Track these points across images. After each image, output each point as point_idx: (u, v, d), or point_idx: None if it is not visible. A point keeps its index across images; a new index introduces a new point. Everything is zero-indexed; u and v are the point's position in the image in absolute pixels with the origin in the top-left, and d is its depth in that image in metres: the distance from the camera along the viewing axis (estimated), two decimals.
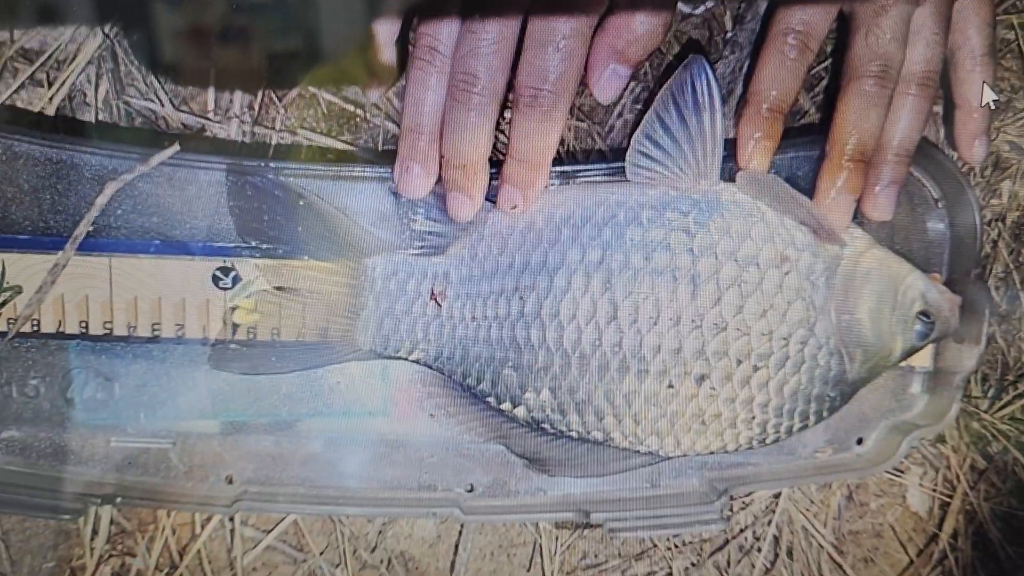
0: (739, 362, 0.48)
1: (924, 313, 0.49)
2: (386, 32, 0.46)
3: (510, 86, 0.45)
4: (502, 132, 0.47)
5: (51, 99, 0.47)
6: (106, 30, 0.46)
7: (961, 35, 0.48)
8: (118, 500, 0.52)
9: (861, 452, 0.54)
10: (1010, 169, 0.51)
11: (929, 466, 0.54)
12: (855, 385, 0.50)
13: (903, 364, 0.52)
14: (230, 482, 0.53)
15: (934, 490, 0.55)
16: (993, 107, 0.48)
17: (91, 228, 0.47)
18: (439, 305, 0.48)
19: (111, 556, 0.54)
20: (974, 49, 0.48)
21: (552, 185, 0.48)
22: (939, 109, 0.49)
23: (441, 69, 0.45)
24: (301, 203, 0.48)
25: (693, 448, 0.50)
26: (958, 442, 0.53)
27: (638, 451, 0.51)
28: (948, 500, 0.55)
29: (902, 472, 0.54)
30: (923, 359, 0.53)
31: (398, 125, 0.47)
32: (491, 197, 0.47)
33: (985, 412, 0.53)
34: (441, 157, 0.46)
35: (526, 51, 0.45)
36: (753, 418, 0.49)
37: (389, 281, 0.49)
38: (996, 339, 0.52)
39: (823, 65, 0.48)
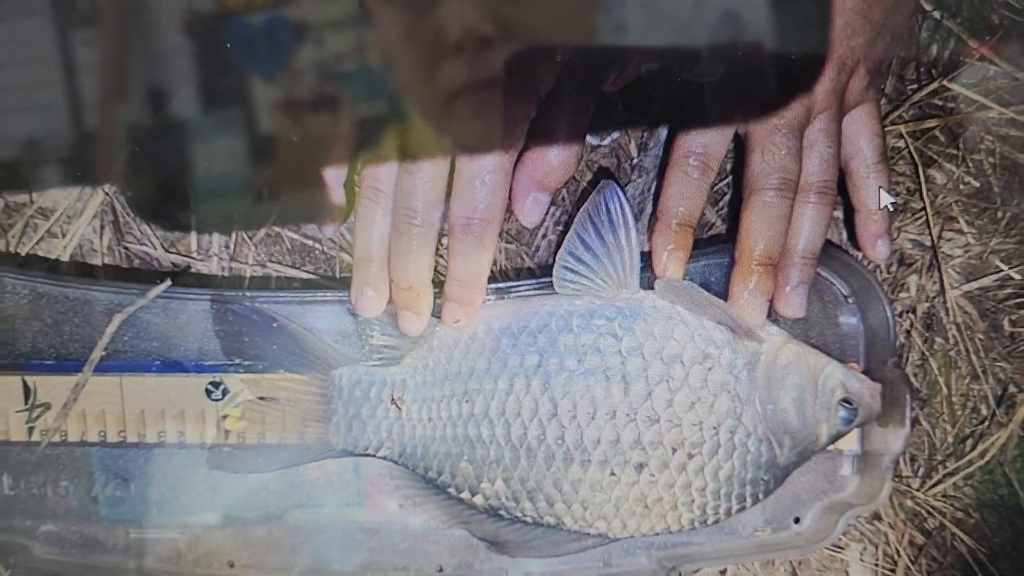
0: (674, 450, 0.51)
1: (846, 400, 0.51)
2: (335, 177, 0.52)
3: (446, 216, 0.50)
4: (441, 256, 0.52)
5: (65, 248, 0.55)
6: (106, 189, 0.54)
7: (853, 146, 0.51)
8: None
9: (799, 531, 0.56)
10: (915, 264, 0.53)
11: (868, 542, 0.55)
12: (787, 469, 0.53)
13: (832, 448, 0.54)
14: (231, 567, 0.58)
15: (875, 565, 0.56)
16: (892, 209, 0.51)
17: (103, 353, 0.54)
18: (399, 409, 0.53)
19: None
20: (867, 158, 0.51)
21: (489, 300, 0.52)
22: (839, 214, 0.52)
23: (384, 206, 0.50)
24: (275, 325, 0.53)
25: (639, 530, 0.53)
26: (895, 519, 0.54)
27: (588, 533, 0.54)
28: (890, 574, 0.56)
29: (842, 548, 0.55)
30: (851, 443, 0.55)
31: (351, 255, 0.52)
32: (436, 313, 0.52)
33: (917, 491, 0.54)
34: (390, 281, 0.51)
35: (457, 186, 0.50)
36: (692, 501, 0.52)
37: (354, 389, 0.54)
38: (920, 422, 0.54)
39: (725, 181, 0.52)
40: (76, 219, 0.54)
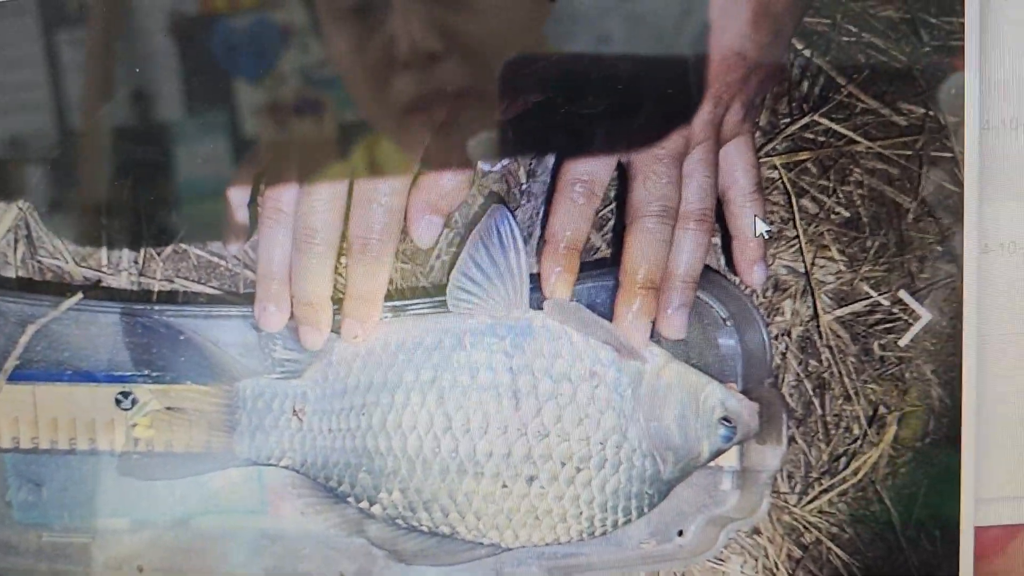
0: (563, 464, 0.53)
1: (726, 418, 0.54)
2: (238, 196, 0.54)
3: (344, 235, 0.52)
4: (340, 275, 0.54)
5: None
6: (20, 205, 0.56)
7: (730, 176, 0.53)
8: None
9: (682, 543, 0.58)
10: (789, 289, 0.55)
11: (748, 555, 0.57)
12: (670, 483, 0.55)
13: (712, 464, 0.56)
14: (140, 571, 0.60)
15: None
16: (767, 237, 0.53)
17: (17, 363, 0.56)
18: (300, 420, 0.55)
19: None
20: (743, 188, 0.53)
21: (386, 318, 0.54)
22: (717, 240, 0.54)
23: (286, 225, 0.52)
24: (182, 338, 0.55)
25: (530, 540, 0.55)
26: (773, 533, 0.57)
27: (482, 543, 0.56)
28: None
29: (723, 561, 0.57)
30: (731, 459, 0.57)
31: (254, 272, 0.54)
32: (336, 329, 0.54)
33: (794, 506, 0.56)
34: (292, 297, 0.53)
35: (355, 207, 0.52)
36: (581, 513, 0.54)
37: (258, 401, 0.55)
38: (796, 440, 0.56)
39: (608, 208, 0.54)
40: None
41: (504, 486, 0.54)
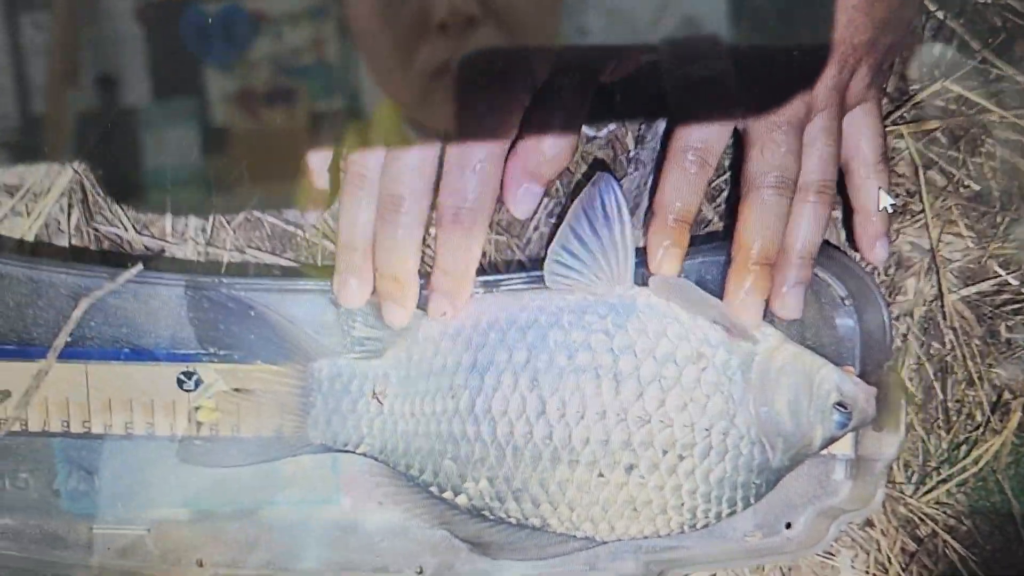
0: (665, 452, 0.50)
1: (840, 404, 0.50)
2: (318, 160, 0.50)
3: (434, 204, 0.49)
4: (428, 247, 0.51)
5: (30, 227, 0.52)
6: (75, 166, 0.51)
7: (854, 146, 0.50)
8: None
9: (790, 536, 0.55)
10: (913, 267, 0.52)
11: (860, 549, 0.55)
12: (779, 472, 0.52)
13: (825, 452, 0.53)
14: (200, 565, 0.56)
15: (867, 572, 0.55)
16: (891, 211, 0.50)
17: (69, 339, 0.51)
18: (380, 403, 0.52)
19: None
20: (867, 158, 0.50)
21: (477, 293, 0.50)
22: (838, 214, 0.51)
23: (370, 192, 0.49)
24: (252, 314, 0.51)
25: (627, 533, 0.52)
26: (887, 525, 0.54)
27: (575, 536, 0.52)
28: None
29: (833, 555, 0.55)
30: (844, 447, 0.54)
31: (334, 243, 0.51)
32: (422, 305, 0.50)
33: (911, 497, 0.54)
34: (375, 270, 0.50)
35: (446, 174, 0.48)
36: (682, 504, 0.51)
37: (334, 382, 0.52)
38: (915, 427, 0.53)
39: (723, 178, 0.51)
40: (43, 197, 0.51)
41: (600, 475, 0.50)
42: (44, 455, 0.55)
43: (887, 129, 0.50)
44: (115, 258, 0.53)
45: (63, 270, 0.52)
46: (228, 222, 0.52)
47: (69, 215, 0.52)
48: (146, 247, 0.52)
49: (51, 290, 0.52)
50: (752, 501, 0.52)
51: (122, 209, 0.52)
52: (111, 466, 0.55)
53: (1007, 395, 0.53)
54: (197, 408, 0.53)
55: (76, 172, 0.51)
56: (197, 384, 0.53)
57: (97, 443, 0.54)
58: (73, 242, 0.53)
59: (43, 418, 0.54)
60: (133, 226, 0.52)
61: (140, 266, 0.51)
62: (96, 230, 0.52)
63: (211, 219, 0.52)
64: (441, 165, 0.48)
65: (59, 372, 0.53)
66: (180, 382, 0.53)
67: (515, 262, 0.53)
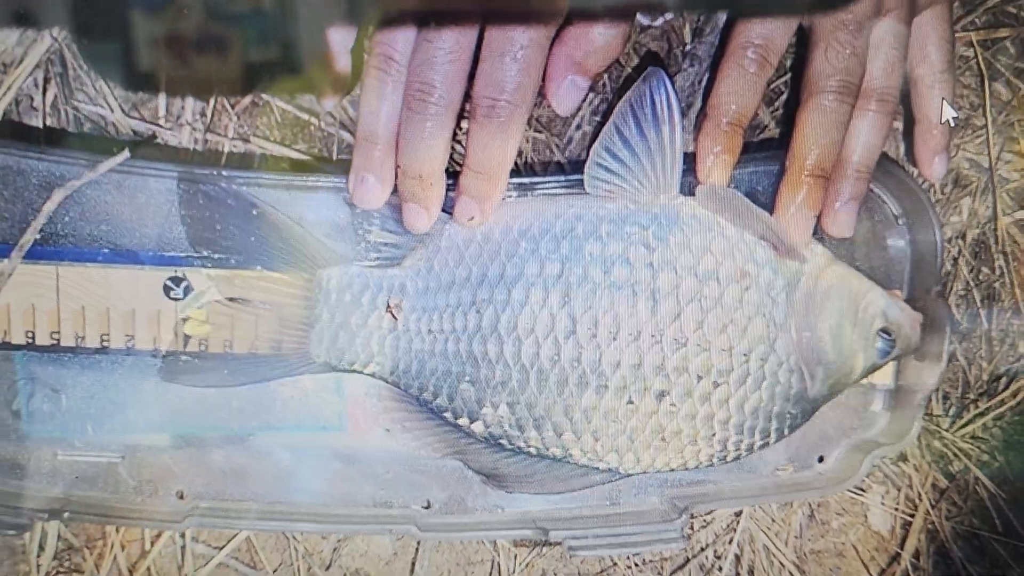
0: (699, 378, 0.46)
1: (885, 330, 0.48)
2: (341, 40, 0.44)
3: (467, 96, 0.44)
4: (459, 143, 0.46)
5: None
6: (54, 33, 0.44)
7: (920, 51, 0.47)
8: (66, 515, 0.49)
9: (822, 470, 0.52)
10: (970, 186, 0.49)
11: (891, 485, 0.52)
12: (816, 403, 0.49)
13: (864, 382, 0.50)
14: (181, 497, 0.50)
15: (896, 509, 0.53)
16: (953, 124, 0.47)
17: (38, 236, 0.45)
18: (395, 318, 0.46)
19: (58, 573, 0.52)
20: (933, 65, 0.47)
21: (510, 197, 0.46)
22: (899, 125, 0.48)
23: (397, 78, 0.43)
24: (254, 213, 0.45)
25: (653, 465, 0.48)
26: (920, 461, 0.52)
27: (597, 468, 0.49)
28: (910, 519, 0.53)
29: (864, 491, 0.52)
30: (884, 377, 0.51)
31: (353, 135, 0.45)
32: (448, 208, 0.45)
33: (946, 431, 0.51)
34: (397, 167, 0.44)
35: (483, 61, 0.43)
36: (713, 435, 0.48)
37: (344, 293, 0.46)
38: (957, 357, 0.51)
39: (782, 79, 0.47)
40: (13, 68, 0.44)
41: (630, 402, 0.46)
42: (3, 370, 0.48)
43: (956, 36, 0.47)
44: (97, 143, 0.46)
45: (34, 155, 0.45)
46: (231, 106, 0.45)
47: (44, 90, 0.45)
48: (134, 131, 0.46)
49: (19, 178, 0.45)
50: (786, 433, 0.49)
51: (107, 86, 0.45)
52: (82, 384, 0.49)
53: None
54: (185, 319, 0.48)
55: (55, 40, 0.44)
56: (186, 292, 0.47)
57: (67, 357, 0.48)
58: (48, 122, 0.46)
59: (3, 327, 0.47)
60: (120, 106, 0.46)
61: (126, 153, 0.44)
62: (76, 109, 0.45)
63: (212, 101, 0.45)
64: (478, 51, 0.43)
65: (25, 274, 0.46)
66: (167, 289, 0.47)
67: (553, 163, 0.48)
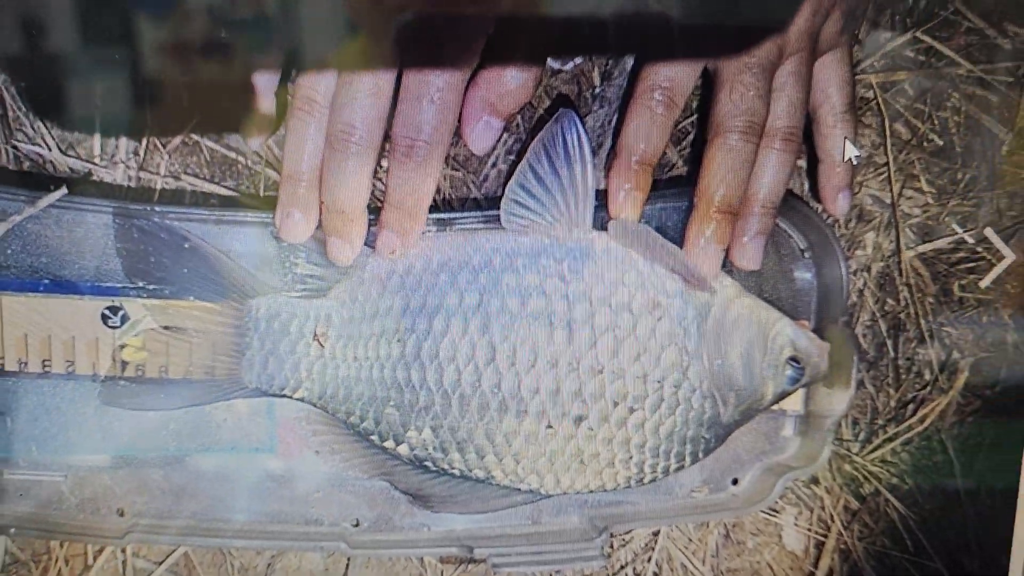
0: (615, 404, 0.48)
1: (794, 359, 0.49)
2: (266, 82, 0.46)
3: (387, 136, 0.45)
4: (379, 180, 0.47)
5: None
6: None
7: (822, 93, 0.49)
8: (12, 531, 0.51)
9: (736, 492, 0.54)
10: (873, 221, 0.51)
11: (804, 506, 0.54)
12: (729, 427, 0.50)
13: (775, 408, 0.52)
14: (121, 514, 0.52)
15: (809, 529, 0.54)
16: (855, 162, 0.48)
17: None
18: (321, 346, 0.48)
19: None
20: (835, 106, 0.49)
21: (429, 232, 0.48)
22: (803, 163, 0.49)
23: (319, 119, 0.45)
24: (186, 246, 0.47)
25: (573, 487, 0.50)
26: (831, 483, 0.53)
27: (519, 489, 0.50)
28: (823, 539, 0.54)
29: (777, 512, 0.54)
30: (795, 403, 0.53)
31: (279, 172, 0.47)
32: (370, 243, 0.47)
33: (857, 455, 0.53)
34: (320, 204, 0.46)
35: (402, 103, 0.45)
36: (630, 458, 0.49)
37: (272, 322, 0.48)
38: (865, 384, 0.52)
39: (689, 120, 0.49)
40: None
41: (549, 426, 0.48)
42: None
43: (856, 78, 0.49)
44: (36, 180, 0.48)
45: None
46: (163, 145, 0.47)
47: None
48: (71, 169, 0.48)
49: None
50: (700, 456, 0.50)
51: (45, 126, 0.47)
52: (25, 406, 0.50)
53: (956, 354, 0.52)
54: (122, 346, 0.49)
55: None
56: (123, 320, 0.49)
57: (10, 381, 0.50)
58: None
59: None
60: (57, 145, 0.47)
61: (64, 189, 0.47)
62: (15, 148, 0.47)
63: (144, 141, 0.47)
64: (397, 93, 0.45)
65: None
66: (105, 318, 0.49)
67: (470, 200, 0.50)
